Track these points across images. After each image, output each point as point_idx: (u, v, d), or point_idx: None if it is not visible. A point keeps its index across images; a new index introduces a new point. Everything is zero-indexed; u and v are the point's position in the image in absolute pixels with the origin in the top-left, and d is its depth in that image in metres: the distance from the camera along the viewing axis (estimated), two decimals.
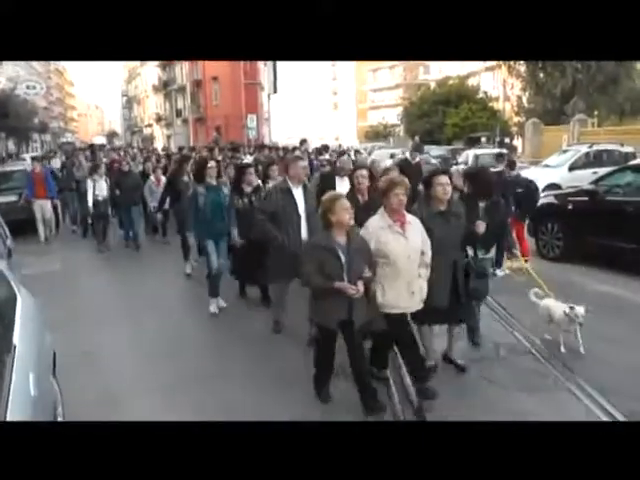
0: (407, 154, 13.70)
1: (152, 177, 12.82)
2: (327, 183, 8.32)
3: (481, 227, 5.52)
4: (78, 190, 14.58)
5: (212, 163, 7.96)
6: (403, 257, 4.88)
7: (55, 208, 14.68)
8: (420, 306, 5.06)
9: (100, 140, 60.93)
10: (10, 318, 3.74)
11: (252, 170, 8.15)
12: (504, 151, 15.07)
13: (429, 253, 5.07)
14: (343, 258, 4.69)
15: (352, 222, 4.83)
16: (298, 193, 6.64)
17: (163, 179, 12.33)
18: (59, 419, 4.19)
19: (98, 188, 12.45)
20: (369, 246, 4.86)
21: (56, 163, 20.13)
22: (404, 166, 10.02)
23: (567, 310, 5.96)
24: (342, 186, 7.74)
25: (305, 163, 7.52)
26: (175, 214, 11.22)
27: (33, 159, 16.04)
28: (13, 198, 13.91)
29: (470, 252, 5.74)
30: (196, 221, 7.81)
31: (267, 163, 9.35)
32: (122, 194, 12.78)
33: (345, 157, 10.47)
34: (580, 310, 5.91)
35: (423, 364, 5.29)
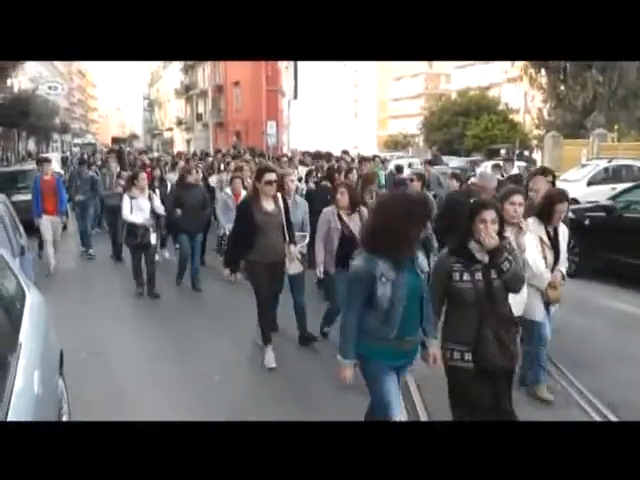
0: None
1: (228, 190, 9.41)
2: (455, 211, 5.46)
3: None
4: (105, 206, 12.47)
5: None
6: None
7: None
8: None
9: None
10: (18, 316, 3.78)
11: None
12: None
13: None
14: None
15: None
16: None
17: (244, 193, 8.64)
18: (64, 418, 4.22)
19: (137, 207, 8.76)
20: None
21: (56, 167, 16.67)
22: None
23: None
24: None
25: None
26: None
27: (41, 161, 12.06)
28: (30, 197, 13.66)
29: None
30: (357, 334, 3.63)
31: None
32: (184, 215, 9.08)
33: (488, 171, 8.19)
34: None
35: None
